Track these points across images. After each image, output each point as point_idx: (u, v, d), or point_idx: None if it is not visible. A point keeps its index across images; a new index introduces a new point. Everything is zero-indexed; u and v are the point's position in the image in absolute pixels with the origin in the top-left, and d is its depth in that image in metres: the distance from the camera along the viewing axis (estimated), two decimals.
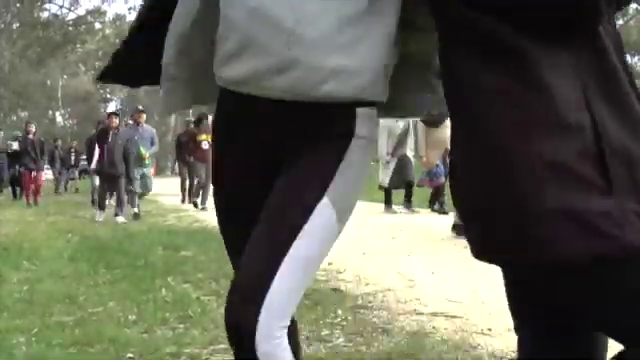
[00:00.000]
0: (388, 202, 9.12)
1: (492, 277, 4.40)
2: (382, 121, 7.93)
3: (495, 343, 2.68)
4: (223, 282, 4.05)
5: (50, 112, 55.15)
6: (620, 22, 35.85)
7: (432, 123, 7.87)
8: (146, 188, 9.84)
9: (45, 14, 35.17)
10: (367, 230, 6.95)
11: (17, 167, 15.44)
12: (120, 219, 8.50)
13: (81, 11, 37.59)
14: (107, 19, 49.29)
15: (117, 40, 55.22)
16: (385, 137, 8.48)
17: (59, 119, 54.50)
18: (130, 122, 13.44)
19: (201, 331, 2.94)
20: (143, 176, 9.48)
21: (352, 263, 4.73)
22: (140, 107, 10.99)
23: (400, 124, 8.58)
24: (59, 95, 51.67)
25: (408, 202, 9.07)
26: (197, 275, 4.29)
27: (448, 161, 7.47)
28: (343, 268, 4.53)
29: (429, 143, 7.79)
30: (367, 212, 8.85)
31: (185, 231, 7.11)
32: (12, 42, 33.66)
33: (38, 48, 34.88)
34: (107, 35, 52.61)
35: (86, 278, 4.29)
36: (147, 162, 9.52)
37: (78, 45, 40.29)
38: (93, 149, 10.85)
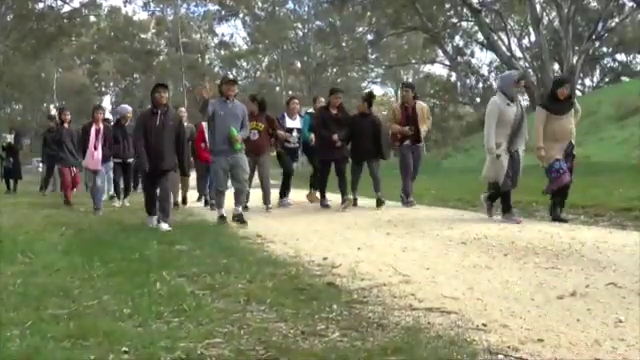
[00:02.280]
0: (506, 206, 6.95)
1: (487, 273, 4.43)
2: (492, 104, 6.65)
3: (490, 338, 2.68)
4: (218, 276, 4.05)
5: (44, 105, 54.94)
6: (616, 20, 35.93)
7: (555, 111, 6.81)
8: (245, 183, 7.52)
9: (40, 5, 34.96)
10: (362, 225, 6.95)
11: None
12: (164, 227, 6.71)
13: (76, 3, 37.43)
14: (102, 12, 49.18)
15: (112, 33, 55.25)
16: (494, 123, 6.76)
17: (53, 112, 54.27)
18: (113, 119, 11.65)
19: (196, 325, 2.94)
20: (234, 167, 7.31)
21: (347, 258, 4.74)
22: (231, 76, 8.55)
23: (513, 108, 6.82)
24: (54, 87, 51.44)
25: (508, 209, 6.93)
26: (192, 269, 4.28)
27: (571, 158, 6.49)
28: (338, 263, 4.53)
29: (548, 134, 6.74)
30: (362, 208, 8.85)
31: (180, 225, 7.09)
32: (6, 34, 33.44)
33: (32, 40, 34.68)
34: (102, 28, 52.56)
35: (80, 271, 4.28)
36: (239, 147, 7.27)
37: (73, 38, 40.03)
38: (87, 139, 9.21)
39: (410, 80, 53.37)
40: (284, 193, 9.70)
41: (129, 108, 10.97)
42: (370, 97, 9.36)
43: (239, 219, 7.21)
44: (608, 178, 9.70)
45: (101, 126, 9.38)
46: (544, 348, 2.56)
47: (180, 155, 7.07)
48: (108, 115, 15.01)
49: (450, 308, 3.20)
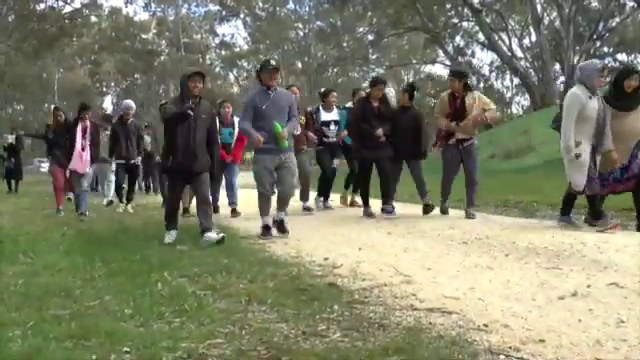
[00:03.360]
0: (566, 210, 6.25)
1: (488, 273, 4.42)
2: (572, 95, 5.82)
3: (492, 339, 2.68)
4: (219, 277, 4.06)
5: (46, 105, 55.00)
6: (617, 20, 35.93)
7: (622, 107, 5.97)
8: (291, 187, 6.50)
9: (41, 6, 35.02)
10: (363, 225, 6.95)
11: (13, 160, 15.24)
12: (213, 236, 5.63)
13: (77, 4, 37.49)
14: (103, 12, 49.21)
15: (113, 34, 55.25)
16: (574, 118, 5.85)
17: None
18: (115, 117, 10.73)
19: (197, 325, 2.94)
20: (280, 167, 6.20)
21: (348, 258, 4.74)
22: (273, 62, 6.60)
23: (594, 103, 5.90)
24: (55, 88, 51.49)
25: (594, 214, 6.09)
26: (193, 269, 4.29)
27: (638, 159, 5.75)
28: (339, 263, 4.53)
29: (614, 133, 5.90)
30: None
31: (181, 225, 7.08)
32: (8, 34, 33.51)
33: (34, 41, 34.74)
34: (103, 29, 52.62)
35: (82, 272, 4.28)
36: (285, 144, 6.17)
37: (74, 38, 40.09)
38: (74, 133, 8.56)
39: (411, 80, 53.25)
40: (326, 196, 9.16)
41: (133, 104, 10.19)
42: (412, 88, 8.31)
43: (279, 226, 6.28)
44: None
45: (88, 124, 8.74)
46: (545, 348, 2.56)
47: (212, 154, 6.03)
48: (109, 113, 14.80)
49: (451, 308, 3.20)
